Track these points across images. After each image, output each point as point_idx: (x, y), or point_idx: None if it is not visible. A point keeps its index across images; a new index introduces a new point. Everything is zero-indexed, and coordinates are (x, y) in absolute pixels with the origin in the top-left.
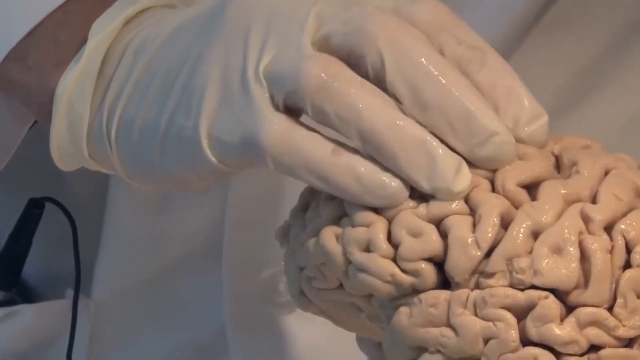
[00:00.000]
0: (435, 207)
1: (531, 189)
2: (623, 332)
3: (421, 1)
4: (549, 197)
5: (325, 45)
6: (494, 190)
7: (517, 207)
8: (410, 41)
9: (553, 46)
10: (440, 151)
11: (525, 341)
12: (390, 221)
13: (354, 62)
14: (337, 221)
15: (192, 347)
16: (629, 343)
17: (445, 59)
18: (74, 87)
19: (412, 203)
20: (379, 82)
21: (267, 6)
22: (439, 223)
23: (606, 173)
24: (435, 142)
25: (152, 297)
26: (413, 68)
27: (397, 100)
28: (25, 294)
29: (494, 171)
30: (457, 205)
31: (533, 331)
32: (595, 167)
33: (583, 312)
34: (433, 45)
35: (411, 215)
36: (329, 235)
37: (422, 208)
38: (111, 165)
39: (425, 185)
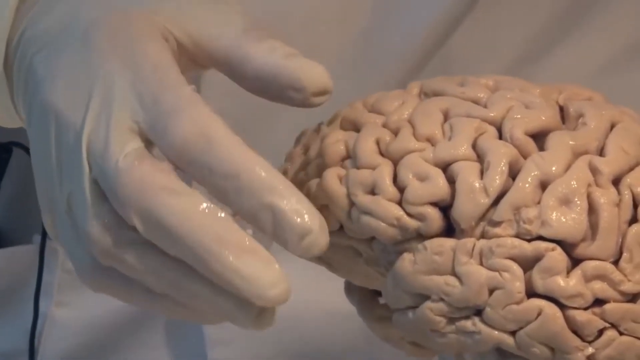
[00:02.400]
0: (443, 151)
1: (538, 138)
2: (628, 287)
3: (177, 121)
4: (558, 147)
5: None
6: (501, 137)
7: (525, 156)
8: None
9: None
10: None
11: (531, 293)
12: (396, 164)
13: None
14: (340, 162)
15: None
16: (632, 298)
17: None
18: None
19: (418, 145)
20: None
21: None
22: (446, 168)
23: (612, 126)
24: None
25: None
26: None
27: None
28: None
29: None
30: (466, 150)
31: (539, 283)
32: (602, 119)
33: (589, 266)
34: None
35: (418, 158)
36: (333, 177)
37: (429, 152)
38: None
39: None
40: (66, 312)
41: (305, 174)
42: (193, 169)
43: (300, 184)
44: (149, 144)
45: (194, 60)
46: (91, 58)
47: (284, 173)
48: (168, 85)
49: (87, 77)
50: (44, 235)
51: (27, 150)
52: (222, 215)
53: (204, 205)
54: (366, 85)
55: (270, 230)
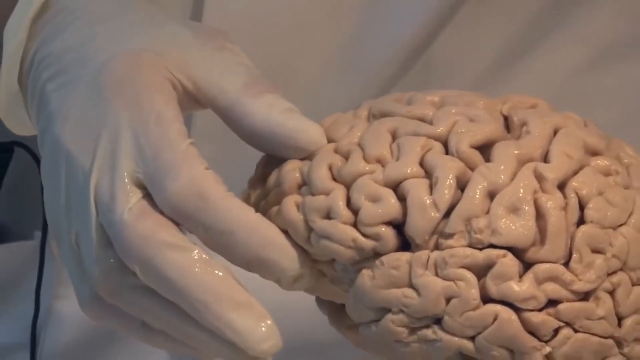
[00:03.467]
0: (392, 171)
1: (484, 150)
2: (579, 286)
3: (173, 180)
4: (503, 157)
5: None
6: (447, 152)
7: (472, 169)
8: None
9: (501, 1)
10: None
11: (486, 298)
12: (349, 187)
13: None
14: (297, 189)
15: None
16: (585, 296)
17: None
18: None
19: (368, 167)
20: None
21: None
22: (396, 187)
23: (555, 132)
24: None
25: None
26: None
27: None
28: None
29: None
30: (414, 168)
31: (493, 289)
32: (545, 127)
33: (540, 269)
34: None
35: (369, 180)
36: (290, 205)
37: (379, 173)
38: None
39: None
40: (66, 306)
41: (266, 203)
42: (188, 225)
43: (263, 211)
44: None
45: (196, 101)
46: (100, 104)
47: (247, 199)
48: (168, 141)
49: (97, 123)
50: (45, 231)
51: (28, 149)
52: (220, 272)
53: (203, 260)
54: (352, 87)
55: (262, 274)
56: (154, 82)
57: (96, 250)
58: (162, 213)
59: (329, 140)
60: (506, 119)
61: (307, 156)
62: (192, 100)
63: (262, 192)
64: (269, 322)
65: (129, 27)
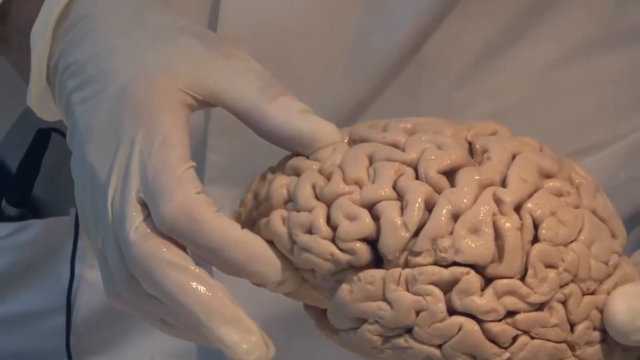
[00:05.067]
0: (368, 193)
1: (450, 174)
2: (535, 298)
3: (168, 202)
4: (466, 182)
5: None
6: (417, 177)
7: (438, 192)
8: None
9: (483, 5)
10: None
11: (452, 311)
12: (329, 206)
13: None
14: (284, 204)
15: None
16: (540, 307)
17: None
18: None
19: (347, 188)
20: None
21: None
22: (371, 207)
23: (513, 157)
24: None
25: None
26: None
27: None
28: (35, 211)
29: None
30: (387, 191)
31: (458, 303)
32: (503, 153)
33: (499, 284)
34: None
35: (347, 200)
36: (277, 218)
37: (357, 194)
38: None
39: None
40: (98, 274)
41: (257, 214)
42: (182, 242)
43: (252, 222)
44: None
45: (215, 105)
46: (118, 128)
47: (239, 217)
48: (167, 165)
49: (115, 144)
50: None
51: (63, 135)
52: (213, 289)
53: (198, 277)
54: (352, 87)
55: (250, 280)
56: (165, 107)
57: (118, 259)
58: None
59: (313, 159)
60: (470, 144)
61: (295, 173)
62: (211, 106)
63: (255, 204)
64: (253, 337)
65: (144, 44)
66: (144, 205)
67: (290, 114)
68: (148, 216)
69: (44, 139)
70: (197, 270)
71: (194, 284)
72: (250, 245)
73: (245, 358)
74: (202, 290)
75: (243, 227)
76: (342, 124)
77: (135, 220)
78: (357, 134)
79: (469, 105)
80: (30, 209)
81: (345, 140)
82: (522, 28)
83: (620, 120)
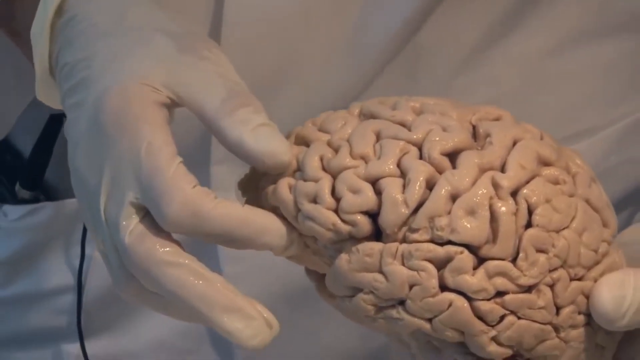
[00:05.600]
0: (373, 169)
1: (452, 156)
2: (524, 280)
3: (168, 206)
4: (466, 166)
5: None
6: (421, 157)
7: (440, 173)
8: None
9: None
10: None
11: (444, 287)
12: (334, 178)
13: None
14: (292, 173)
15: None
16: (528, 289)
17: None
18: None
19: (353, 162)
20: None
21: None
22: (375, 182)
23: (514, 143)
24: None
25: None
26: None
27: None
28: (47, 194)
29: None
30: (391, 168)
31: (450, 280)
32: (505, 139)
33: (491, 265)
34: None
35: (352, 174)
36: (284, 186)
37: (362, 169)
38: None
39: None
40: None
41: (265, 180)
42: (190, 236)
43: (261, 188)
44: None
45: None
46: (102, 138)
47: (247, 181)
48: (158, 169)
49: (100, 154)
50: None
51: None
52: (211, 281)
53: (196, 273)
54: (352, 72)
55: (258, 249)
56: (142, 113)
57: (117, 260)
58: (161, 231)
59: (324, 131)
60: (474, 128)
61: (304, 143)
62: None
63: (263, 172)
64: (255, 322)
65: (121, 49)
66: (138, 209)
67: (245, 131)
68: (143, 218)
69: (56, 125)
70: (194, 266)
71: (192, 279)
72: (255, 221)
73: (250, 343)
74: (200, 284)
75: (250, 193)
76: (341, 106)
77: (129, 225)
78: (367, 109)
79: (466, 92)
80: (42, 192)
81: (356, 113)
82: (516, 18)
83: (612, 106)
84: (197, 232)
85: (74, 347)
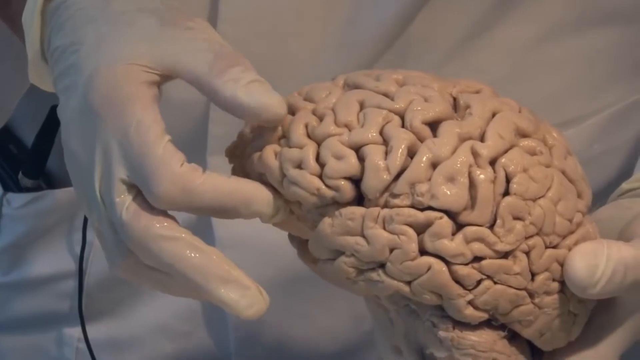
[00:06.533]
0: (356, 136)
1: (433, 126)
2: (501, 246)
3: (158, 184)
4: (447, 134)
5: None
6: (403, 125)
7: (421, 141)
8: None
9: None
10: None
11: (423, 251)
12: (319, 145)
13: None
14: (277, 140)
15: None
16: (505, 255)
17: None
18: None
19: (337, 130)
20: None
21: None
22: (358, 149)
23: (493, 115)
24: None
25: None
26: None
27: None
28: (49, 182)
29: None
30: (374, 136)
31: (429, 245)
32: (484, 110)
33: (469, 230)
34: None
35: (336, 141)
36: (270, 152)
37: (345, 136)
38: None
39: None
40: None
41: (251, 147)
42: (181, 210)
43: (247, 155)
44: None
45: (176, 77)
46: (92, 119)
47: (233, 148)
48: (147, 148)
49: (91, 134)
50: None
51: None
52: (207, 254)
53: (192, 246)
54: (345, 64)
55: (247, 218)
56: (131, 93)
57: (113, 237)
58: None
59: (309, 100)
60: (455, 100)
61: (290, 112)
62: (171, 79)
63: (251, 139)
64: (250, 292)
65: (107, 31)
66: (130, 186)
67: (237, 88)
68: (136, 195)
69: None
70: (190, 239)
71: (189, 252)
72: (242, 191)
73: (246, 313)
74: (197, 257)
75: (237, 160)
76: None
77: (124, 202)
78: (351, 80)
79: None
80: (45, 181)
81: (340, 84)
82: (503, 9)
83: (595, 96)
84: (188, 207)
85: (75, 331)
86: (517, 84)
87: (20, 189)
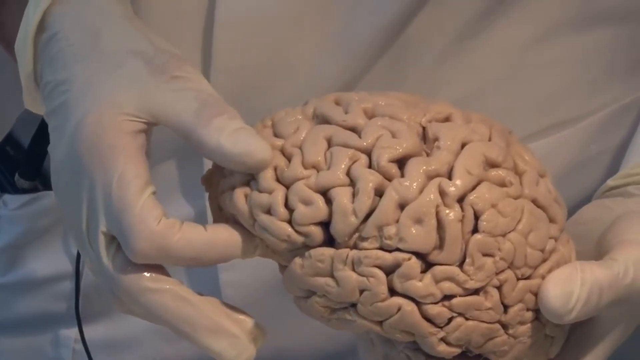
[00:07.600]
0: (323, 179)
1: (401, 162)
2: (471, 284)
3: (135, 242)
4: (414, 174)
5: None
6: (370, 164)
7: (389, 180)
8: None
9: None
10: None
11: (393, 292)
12: (288, 188)
13: None
14: (247, 182)
15: None
16: (475, 292)
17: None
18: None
19: (305, 172)
20: None
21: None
22: (325, 192)
23: (463, 146)
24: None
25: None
26: None
27: None
28: (46, 183)
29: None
30: (341, 178)
31: (398, 286)
32: (453, 142)
33: (438, 270)
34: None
35: (304, 186)
36: (240, 196)
37: (313, 178)
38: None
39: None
40: None
41: (224, 184)
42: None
43: (221, 191)
44: None
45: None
46: (78, 167)
47: (210, 177)
48: (127, 204)
49: (78, 182)
50: None
51: None
52: (194, 304)
53: (179, 297)
54: (342, 67)
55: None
56: (116, 144)
57: (104, 280)
58: None
59: (279, 136)
60: (424, 130)
61: None
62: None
63: (222, 176)
64: (239, 341)
65: (96, 73)
66: (113, 238)
67: (221, 137)
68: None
69: None
70: (177, 290)
71: (176, 304)
72: (217, 244)
73: None
74: (184, 308)
75: (213, 188)
76: None
77: (109, 254)
78: (320, 111)
79: (451, 82)
80: (41, 182)
81: (310, 114)
82: (499, 10)
83: (591, 97)
84: (164, 262)
85: (72, 332)
86: (513, 84)
87: (17, 190)
